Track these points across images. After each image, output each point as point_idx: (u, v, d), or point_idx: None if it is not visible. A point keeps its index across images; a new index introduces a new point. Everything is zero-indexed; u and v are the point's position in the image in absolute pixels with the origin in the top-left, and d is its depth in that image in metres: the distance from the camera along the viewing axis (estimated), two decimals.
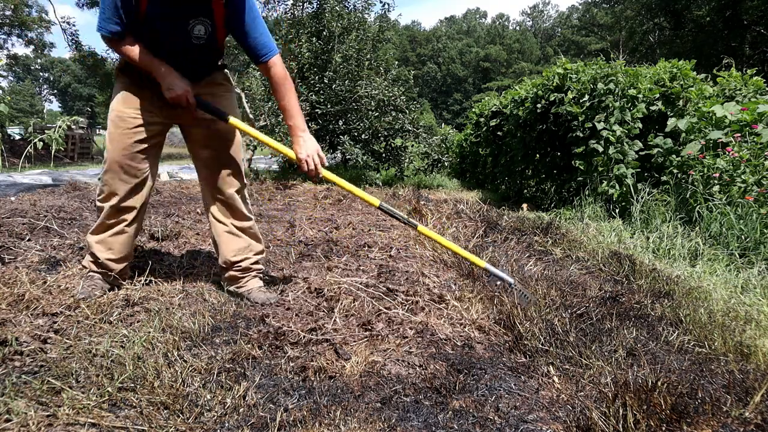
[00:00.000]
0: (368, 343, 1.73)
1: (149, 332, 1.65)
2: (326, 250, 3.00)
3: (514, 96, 6.57)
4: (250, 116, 7.82)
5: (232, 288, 2.16)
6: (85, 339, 1.61)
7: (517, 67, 54.19)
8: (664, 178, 4.23)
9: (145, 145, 1.96)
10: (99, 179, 2.05)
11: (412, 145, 8.87)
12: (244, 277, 2.18)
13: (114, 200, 1.94)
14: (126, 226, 2.01)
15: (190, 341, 1.68)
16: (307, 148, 1.95)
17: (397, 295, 2.19)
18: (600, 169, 4.61)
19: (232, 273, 2.16)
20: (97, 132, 34.06)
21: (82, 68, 23.53)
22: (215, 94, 2.05)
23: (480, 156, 8.85)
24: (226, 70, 2.17)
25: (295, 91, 2.06)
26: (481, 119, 8.68)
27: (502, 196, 7.07)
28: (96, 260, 2.02)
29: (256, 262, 2.22)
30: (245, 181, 2.17)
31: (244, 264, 2.16)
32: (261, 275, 2.26)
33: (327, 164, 1.98)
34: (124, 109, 1.93)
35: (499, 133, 7.63)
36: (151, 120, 1.96)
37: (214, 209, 2.13)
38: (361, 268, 2.63)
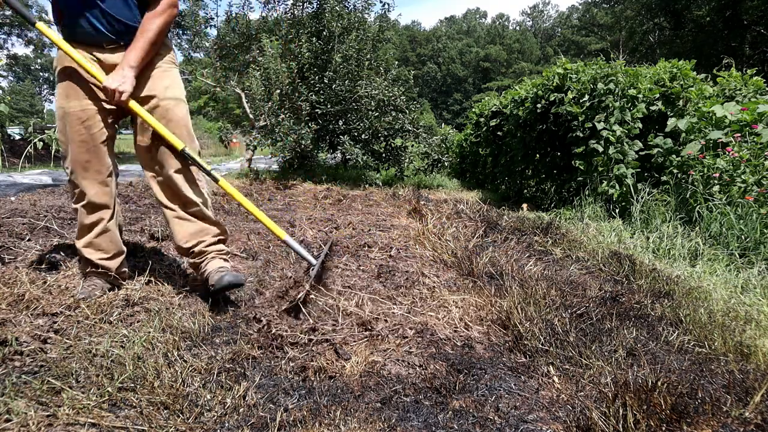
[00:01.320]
0: (368, 343, 1.73)
1: (149, 332, 1.65)
2: None
3: (514, 96, 6.56)
4: (250, 116, 7.81)
5: (198, 277, 2.07)
6: (85, 339, 1.62)
7: (517, 67, 54.23)
8: (664, 178, 4.23)
9: (104, 137, 1.92)
10: (67, 182, 2.01)
11: (412, 145, 8.86)
12: (202, 261, 2.05)
13: (85, 200, 1.93)
14: (106, 223, 1.99)
15: (190, 341, 1.68)
16: (118, 82, 1.80)
17: (396, 295, 2.19)
18: (600, 169, 4.61)
19: (191, 261, 2.07)
20: None
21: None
22: (146, 76, 1.90)
23: (480, 156, 8.85)
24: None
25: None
26: (481, 119, 8.68)
27: (502, 196, 7.07)
28: (90, 262, 2.01)
29: (214, 243, 2.08)
30: (186, 163, 2.00)
31: (197, 249, 2.03)
32: (225, 256, 2.12)
33: (124, 99, 1.84)
34: (69, 103, 1.87)
35: (499, 133, 7.64)
36: (98, 107, 1.90)
37: (160, 194, 2.01)
38: (361, 268, 2.63)
